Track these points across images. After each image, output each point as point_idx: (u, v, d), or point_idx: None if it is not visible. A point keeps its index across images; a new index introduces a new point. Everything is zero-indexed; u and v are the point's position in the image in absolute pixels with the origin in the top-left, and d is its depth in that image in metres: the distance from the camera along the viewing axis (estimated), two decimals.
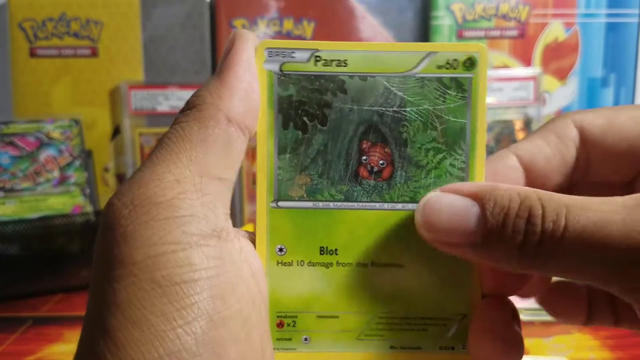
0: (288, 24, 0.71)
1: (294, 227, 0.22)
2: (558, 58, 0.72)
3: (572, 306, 0.25)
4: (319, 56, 0.22)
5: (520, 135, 0.69)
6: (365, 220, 0.22)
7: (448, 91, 0.22)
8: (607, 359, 0.45)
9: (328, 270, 0.22)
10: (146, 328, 0.18)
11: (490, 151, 0.68)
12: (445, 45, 0.22)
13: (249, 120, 0.21)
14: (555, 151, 0.23)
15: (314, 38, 0.71)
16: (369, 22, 0.72)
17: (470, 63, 0.22)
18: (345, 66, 0.22)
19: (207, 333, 0.18)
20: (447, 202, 0.21)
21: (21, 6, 0.70)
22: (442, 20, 0.71)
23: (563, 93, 0.72)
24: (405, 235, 0.22)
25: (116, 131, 0.72)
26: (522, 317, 0.51)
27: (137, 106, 0.70)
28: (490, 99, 0.69)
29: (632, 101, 0.72)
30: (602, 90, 0.72)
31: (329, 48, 0.22)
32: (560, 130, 0.23)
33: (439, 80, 0.22)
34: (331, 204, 0.22)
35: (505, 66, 0.71)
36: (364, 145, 0.22)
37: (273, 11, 0.71)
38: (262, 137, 0.22)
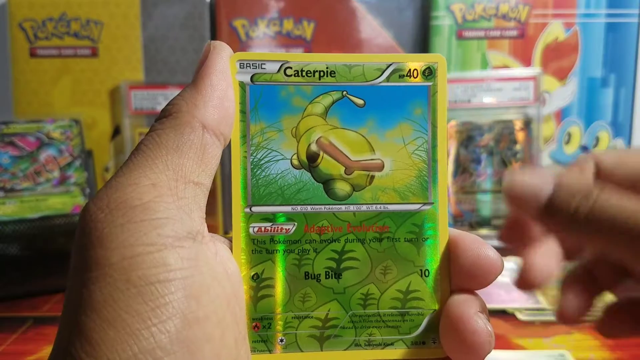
0: (288, 24, 0.72)
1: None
2: (558, 58, 0.72)
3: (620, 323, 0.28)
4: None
5: (520, 135, 0.69)
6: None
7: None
8: (607, 359, 0.45)
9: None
10: (121, 327, 0.18)
11: (490, 151, 0.68)
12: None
13: (224, 127, 0.22)
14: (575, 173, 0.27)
15: (314, 38, 0.72)
16: (369, 23, 0.72)
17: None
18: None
19: (181, 332, 0.18)
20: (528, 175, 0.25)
21: (21, 6, 0.70)
22: (442, 20, 0.71)
23: (563, 93, 0.72)
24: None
25: (116, 131, 0.72)
26: (522, 317, 0.51)
27: (137, 106, 0.70)
28: (490, 99, 0.69)
29: (632, 101, 0.72)
30: (602, 91, 0.72)
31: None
32: (580, 162, 0.27)
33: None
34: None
35: (505, 66, 0.71)
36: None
37: (273, 11, 0.71)
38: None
